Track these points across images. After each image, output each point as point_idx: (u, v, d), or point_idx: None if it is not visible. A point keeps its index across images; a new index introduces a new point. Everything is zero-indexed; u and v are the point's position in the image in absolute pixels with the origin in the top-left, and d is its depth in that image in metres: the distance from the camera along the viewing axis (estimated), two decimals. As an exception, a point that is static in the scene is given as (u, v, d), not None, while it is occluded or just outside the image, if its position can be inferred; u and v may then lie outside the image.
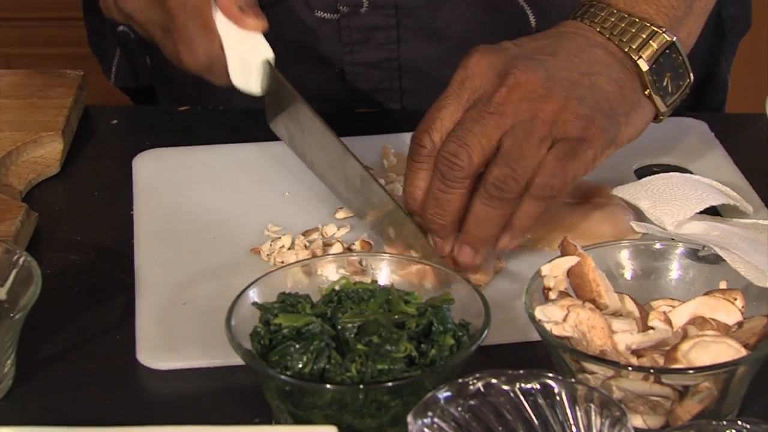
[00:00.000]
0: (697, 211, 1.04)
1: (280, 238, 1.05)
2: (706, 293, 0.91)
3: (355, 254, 0.99)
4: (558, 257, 0.92)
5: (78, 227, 1.08)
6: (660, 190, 1.06)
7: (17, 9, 2.44)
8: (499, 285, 1.01)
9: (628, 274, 0.95)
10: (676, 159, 1.16)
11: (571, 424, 0.81)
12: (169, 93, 1.35)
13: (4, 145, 1.15)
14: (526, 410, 0.81)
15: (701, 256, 0.95)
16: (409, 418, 0.80)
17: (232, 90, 1.08)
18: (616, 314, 0.90)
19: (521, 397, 0.82)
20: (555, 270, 0.91)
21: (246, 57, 1.06)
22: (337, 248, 1.04)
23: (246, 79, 1.07)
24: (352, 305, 0.92)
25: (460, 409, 0.81)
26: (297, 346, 0.87)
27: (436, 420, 0.80)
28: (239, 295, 0.91)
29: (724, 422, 0.79)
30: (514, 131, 0.96)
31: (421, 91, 1.24)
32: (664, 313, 0.90)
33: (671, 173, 1.09)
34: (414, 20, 1.21)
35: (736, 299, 0.90)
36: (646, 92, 1.02)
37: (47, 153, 1.17)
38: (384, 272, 0.96)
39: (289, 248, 1.04)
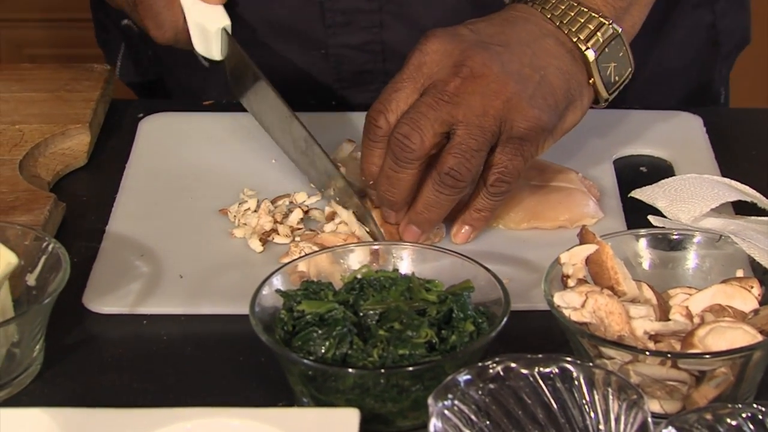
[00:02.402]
0: (713, 206, 1.05)
1: (247, 201, 1.10)
2: (723, 281, 0.93)
3: (375, 244, 1.01)
4: (577, 245, 0.93)
5: (104, 217, 1.10)
6: (676, 189, 1.08)
7: (43, 10, 2.46)
8: (511, 265, 1.03)
9: (646, 263, 0.97)
10: (657, 151, 1.19)
11: (588, 407, 0.82)
12: (174, 85, 1.37)
13: (32, 137, 1.17)
14: (545, 394, 0.83)
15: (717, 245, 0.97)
16: (430, 400, 0.81)
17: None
18: (634, 301, 0.91)
19: (540, 381, 0.83)
20: (574, 258, 0.93)
21: (206, 26, 1.13)
22: (297, 214, 1.08)
23: (207, 46, 1.14)
24: (373, 293, 0.93)
25: (480, 392, 0.82)
26: (320, 331, 0.89)
27: (456, 402, 0.82)
28: (263, 282, 0.93)
29: (740, 405, 0.80)
30: (467, 124, 1.00)
31: None
32: (686, 307, 0.91)
33: (689, 175, 1.10)
34: (396, 5, 1.24)
35: (752, 287, 0.91)
36: (590, 81, 1.06)
37: (75, 145, 1.19)
38: (406, 261, 0.98)
39: (254, 211, 1.09)
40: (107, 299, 1.00)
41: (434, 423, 0.80)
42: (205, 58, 1.16)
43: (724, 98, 1.38)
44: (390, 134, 1.02)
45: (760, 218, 1.05)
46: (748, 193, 1.08)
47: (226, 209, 1.10)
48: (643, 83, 1.23)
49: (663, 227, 1.01)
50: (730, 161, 1.16)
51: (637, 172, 1.16)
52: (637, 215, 1.08)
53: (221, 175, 1.15)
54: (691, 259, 0.97)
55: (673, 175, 1.13)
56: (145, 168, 1.17)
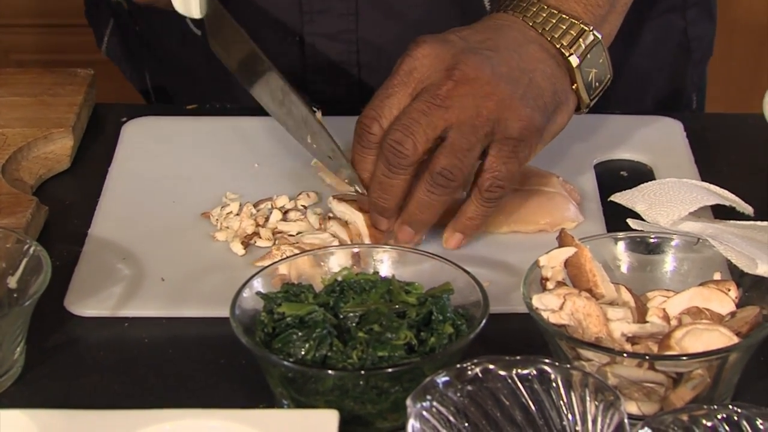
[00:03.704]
0: (692, 210, 1.06)
1: (229, 204, 1.10)
2: (701, 284, 0.93)
3: (356, 246, 1.01)
4: (556, 248, 0.94)
5: (87, 221, 1.10)
6: (656, 193, 1.09)
7: (30, 15, 2.46)
8: (490, 268, 1.03)
9: (624, 266, 0.97)
10: (637, 155, 1.20)
11: (566, 408, 0.83)
12: (156, 67, 1.38)
13: (15, 141, 1.17)
14: (523, 395, 0.83)
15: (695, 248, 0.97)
16: (408, 401, 0.81)
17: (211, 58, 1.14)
18: (612, 304, 0.92)
19: (518, 383, 0.84)
20: (552, 260, 0.93)
21: None
22: (276, 216, 1.09)
23: (186, 4, 1.13)
24: (354, 295, 0.94)
25: (458, 393, 0.83)
26: (300, 333, 0.89)
27: (434, 404, 0.82)
28: (243, 285, 0.93)
29: (715, 407, 0.80)
30: (459, 125, 1.00)
31: (378, 66, 1.26)
32: (663, 309, 0.92)
33: (668, 179, 1.11)
34: None
35: (729, 290, 0.92)
36: (573, 86, 1.07)
37: (58, 149, 1.19)
38: (386, 264, 0.98)
39: (236, 214, 1.09)
40: (89, 302, 1.01)
41: (413, 424, 0.81)
42: (194, 22, 1.15)
43: (697, 105, 1.39)
44: (382, 140, 1.02)
45: (738, 222, 1.05)
46: (726, 197, 1.09)
47: (208, 213, 1.11)
48: (612, 85, 1.24)
49: (641, 230, 1.02)
50: (709, 166, 1.17)
51: (618, 177, 1.17)
52: (616, 219, 1.08)
53: (203, 179, 1.16)
54: (669, 262, 0.98)
55: (653, 179, 1.14)
56: (127, 172, 1.17)
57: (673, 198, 1.07)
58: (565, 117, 1.07)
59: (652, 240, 0.98)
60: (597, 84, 1.08)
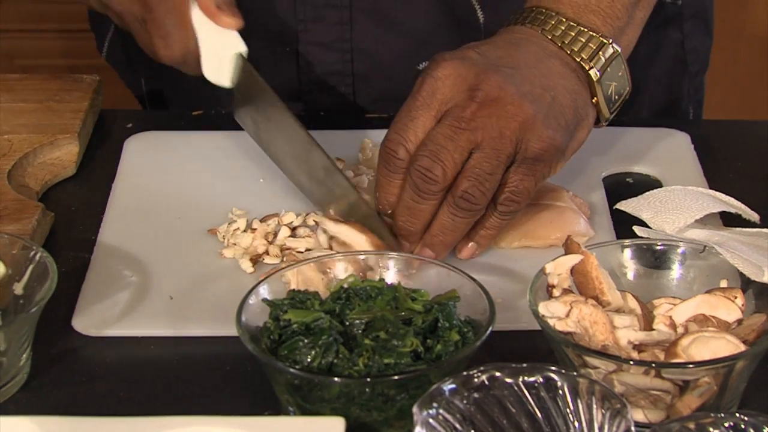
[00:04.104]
0: (698, 217, 1.06)
1: (236, 220, 1.09)
2: (707, 291, 0.93)
3: (362, 253, 1.01)
4: (562, 255, 0.94)
5: (93, 227, 1.10)
6: (662, 201, 1.09)
7: (35, 21, 2.46)
8: (502, 284, 1.03)
9: (630, 274, 0.97)
10: (646, 168, 1.19)
11: (572, 416, 0.83)
12: (154, 75, 1.38)
13: (21, 147, 1.17)
14: (529, 403, 0.83)
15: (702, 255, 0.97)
16: (415, 409, 0.81)
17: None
18: (619, 311, 0.92)
19: (524, 390, 0.83)
20: (559, 268, 0.93)
21: (219, 51, 1.10)
22: (284, 232, 1.07)
23: (217, 72, 1.11)
24: (360, 302, 0.94)
25: (464, 401, 0.83)
26: (306, 340, 0.89)
27: (441, 411, 0.82)
28: (249, 292, 0.93)
29: (722, 414, 0.80)
30: (482, 147, 1.00)
31: (372, 76, 1.27)
32: (670, 317, 0.92)
33: (674, 187, 1.11)
34: (367, 2, 1.24)
35: (736, 297, 0.92)
36: (593, 100, 1.06)
37: (63, 155, 1.19)
38: (392, 271, 0.98)
39: (243, 231, 1.08)
40: (96, 322, 0.99)
41: (419, 431, 0.81)
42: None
43: (693, 116, 1.39)
44: (410, 166, 1.01)
45: (744, 229, 1.05)
46: (732, 204, 1.09)
47: (215, 229, 1.09)
48: None
49: (648, 238, 1.02)
50: (715, 173, 1.17)
51: (625, 186, 1.17)
52: (622, 226, 1.08)
53: (208, 194, 1.14)
54: (675, 269, 0.97)
55: None
56: (130, 187, 1.16)
57: (679, 205, 1.07)
58: (585, 132, 1.06)
59: (658, 247, 0.98)
60: (617, 97, 1.07)
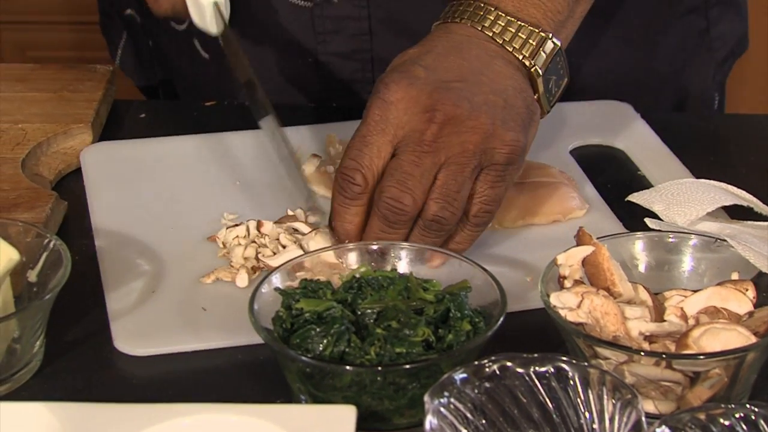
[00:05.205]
0: (709, 210, 1.06)
1: (235, 227, 1.07)
2: (718, 284, 0.93)
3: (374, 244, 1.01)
4: (574, 246, 0.94)
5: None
6: (673, 194, 1.09)
7: (47, 12, 2.47)
8: (512, 275, 1.03)
9: (641, 266, 0.98)
10: (606, 139, 1.21)
11: (583, 406, 0.83)
12: (172, 78, 1.38)
13: (35, 136, 1.18)
14: (540, 393, 0.84)
15: (713, 248, 0.97)
16: (426, 398, 0.82)
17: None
18: (630, 302, 0.92)
19: (535, 380, 0.84)
20: (570, 259, 0.93)
21: (199, 1, 1.12)
22: (281, 237, 1.06)
23: (202, 20, 1.13)
24: (371, 292, 0.94)
25: (476, 390, 0.83)
26: (318, 329, 0.90)
27: (452, 400, 0.82)
28: (262, 281, 0.94)
29: (733, 406, 0.80)
30: (447, 165, 0.99)
31: None
32: (681, 308, 0.92)
33: (686, 179, 1.11)
34: (385, 12, 1.24)
35: (747, 290, 0.92)
36: (535, 96, 1.05)
37: (77, 144, 1.20)
38: (404, 261, 0.98)
39: (243, 237, 1.07)
40: (133, 340, 0.98)
41: (430, 420, 0.81)
42: (203, 46, 1.14)
43: (718, 104, 1.38)
44: (370, 193, 1.00)
45: (756, 222, 1.05)
46: (744, 197, 1.09)
47: (214, 236, 1.08)
48: (634, 87, 1.24)
49: (659, 230, 1.02)
50: (728, 166, 1.17)
51: (593, 159, 1.18)
52: (633, 218, 1.08)
53: (189, 202, 1.13)
54: (686, 261, 0.98)
55: (631, 161, 1.16)
56: (106, 202, 1.12)
57: (691, 198, 1.07)
58: (536, 127, 1.05)
59: (670, 239, 0.98)
60: (556, 90, 1.06)
